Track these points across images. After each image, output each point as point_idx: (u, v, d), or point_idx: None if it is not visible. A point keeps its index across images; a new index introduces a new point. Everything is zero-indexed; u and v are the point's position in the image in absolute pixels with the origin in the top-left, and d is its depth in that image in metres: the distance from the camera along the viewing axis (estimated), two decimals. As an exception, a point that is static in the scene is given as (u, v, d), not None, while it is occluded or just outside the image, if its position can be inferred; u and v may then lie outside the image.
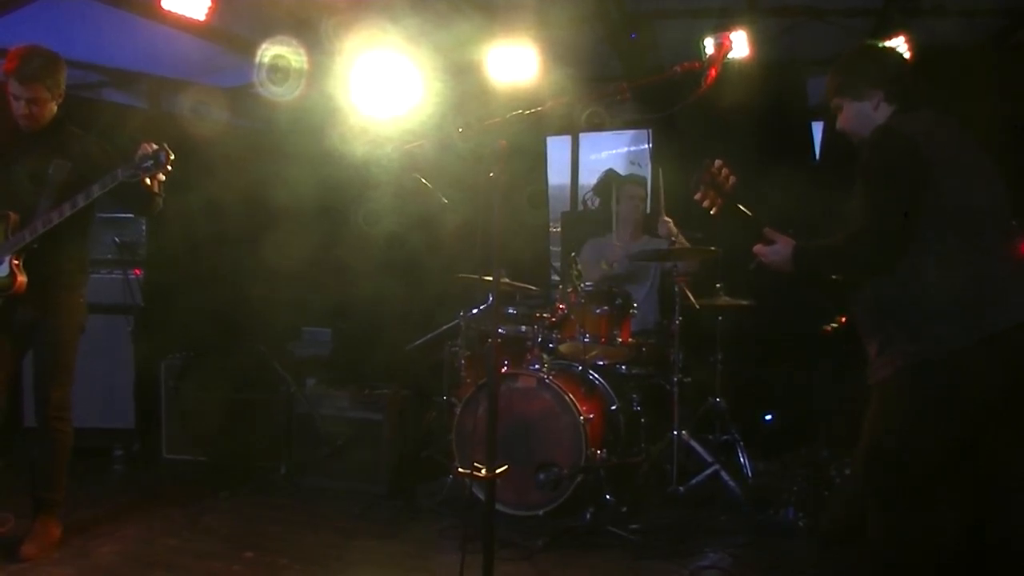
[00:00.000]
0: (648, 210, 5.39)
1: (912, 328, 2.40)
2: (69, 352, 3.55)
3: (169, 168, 3.27)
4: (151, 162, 3.22)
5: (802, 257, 2.56)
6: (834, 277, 2.68)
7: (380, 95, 4.54)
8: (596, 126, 5.55)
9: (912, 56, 4.37)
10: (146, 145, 3.25)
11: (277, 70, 4.88)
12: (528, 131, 5.81)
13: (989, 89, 4.58)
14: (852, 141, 2.69)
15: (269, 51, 4.77)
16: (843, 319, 2.88)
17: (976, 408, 2.39)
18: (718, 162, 2.73)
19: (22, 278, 3.36)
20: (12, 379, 3.69)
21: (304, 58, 4.85)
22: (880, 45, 2.70)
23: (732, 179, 2.72)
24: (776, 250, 2.60)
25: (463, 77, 5.13)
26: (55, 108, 3.47)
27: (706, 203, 2.74)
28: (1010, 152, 2.98)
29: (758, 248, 2.63)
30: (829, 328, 3.05)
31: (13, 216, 3.40)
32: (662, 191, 4.62)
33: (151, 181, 3.29)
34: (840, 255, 2.53)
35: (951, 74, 4.51)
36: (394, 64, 4.54)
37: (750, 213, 2.68)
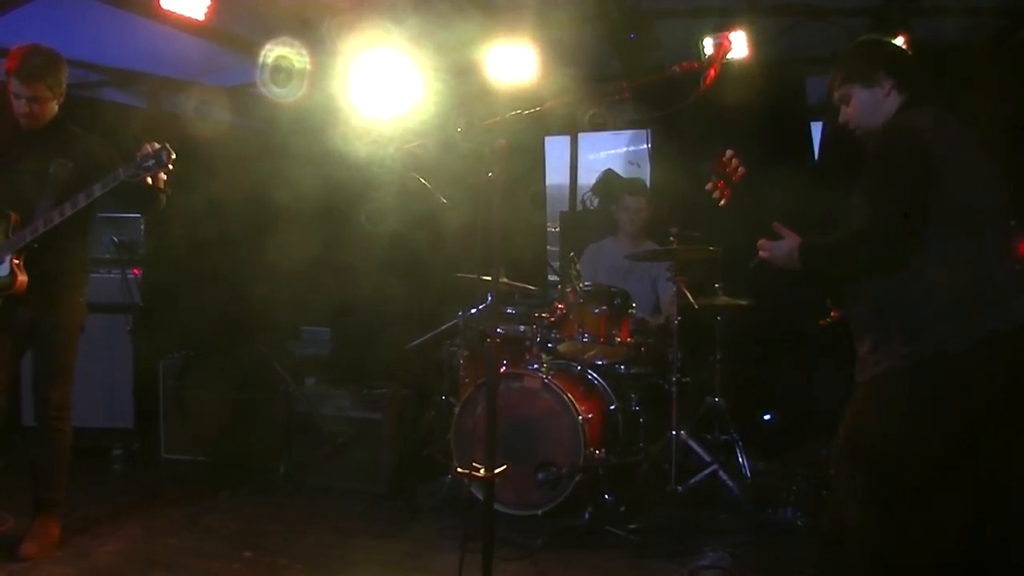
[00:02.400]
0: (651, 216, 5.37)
1: (912, 328, 2.38)
2: (69, 352, 3.55)
3: (171, 167, 3.27)
4: (153, 161, 3.21)
5: (808, 254, 2.51)
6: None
7: (381, 95, 4.55)
8: (598, 126, 5.54)
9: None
10: (148, 144, 3.25)
11: (280, 71, 4.88)
12: (527, 131, 5.82)
13: (989, 89, 4.57)
14: (856, 134, 2.63)
15: (272, 52, 4.77)
16: (833, 314, 2.87)
17: (976, 408, 2.38)
18: (729, 152, 2.69)
19: (23, 277, 3.36)
20: (12, 379, 3.69)
21: (306, 59, 4.85)
22: (884, 39, 2.69)
23: (741, 170, 2.68)
24: (781, 246, 2.55)
25: (464, 77, 5.13)
26: (56, 107, 3.47)
27: (716, 194, 2.70)
28: (1010, 152, 2.97)
29: (763, 243, 2.59)
30: (824, 323, 3.04)
31: (14, 215, 3.40)
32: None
33: (153, 180, 3.29)
34: (848, 253, 2.48)
35: (951, 74, 4.51)
36: (395, 64, 4.54)
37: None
